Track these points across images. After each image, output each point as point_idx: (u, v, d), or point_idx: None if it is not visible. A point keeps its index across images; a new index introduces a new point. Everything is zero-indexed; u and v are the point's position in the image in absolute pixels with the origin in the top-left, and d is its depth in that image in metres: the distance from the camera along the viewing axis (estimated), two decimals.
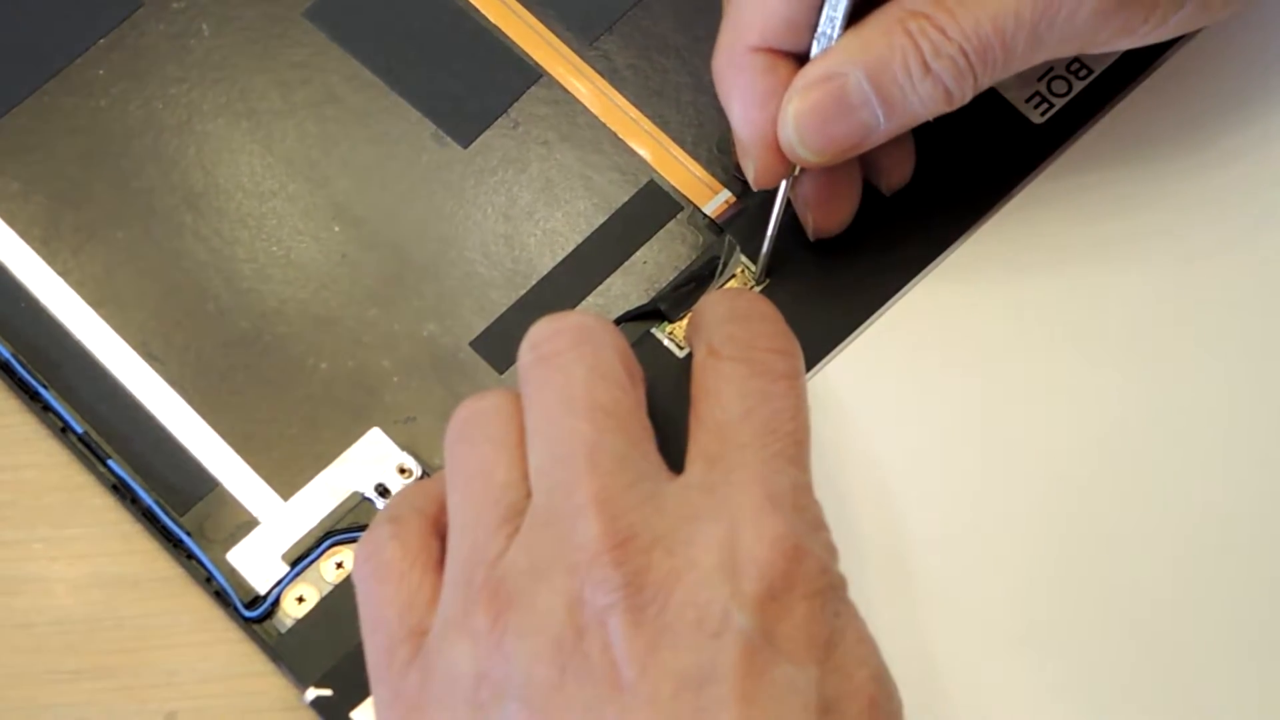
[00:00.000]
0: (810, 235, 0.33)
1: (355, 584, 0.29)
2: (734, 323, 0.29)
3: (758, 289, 0.33)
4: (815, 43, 0.30)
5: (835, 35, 0.29)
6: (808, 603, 0.26)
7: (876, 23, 0.29)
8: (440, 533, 0.28)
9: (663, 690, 0.24)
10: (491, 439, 0.28)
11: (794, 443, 0.28)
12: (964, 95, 0.29)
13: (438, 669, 0.26)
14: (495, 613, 0.26)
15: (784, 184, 0.32)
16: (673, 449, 0.28)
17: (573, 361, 0.28)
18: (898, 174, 0.33)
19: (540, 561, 0.26)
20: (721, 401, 0.28)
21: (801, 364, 0.29)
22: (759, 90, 0.30)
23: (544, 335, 0.28)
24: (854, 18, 0.30)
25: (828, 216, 0.32)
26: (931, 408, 0.33)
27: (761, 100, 0.30)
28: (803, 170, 0.31)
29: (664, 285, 0.34)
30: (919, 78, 0.29)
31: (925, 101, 0.29)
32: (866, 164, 0.33)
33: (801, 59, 0.30)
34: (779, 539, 0.26)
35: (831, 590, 0.26)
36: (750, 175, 0.31)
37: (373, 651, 0.28)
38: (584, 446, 0.26)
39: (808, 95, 0.29)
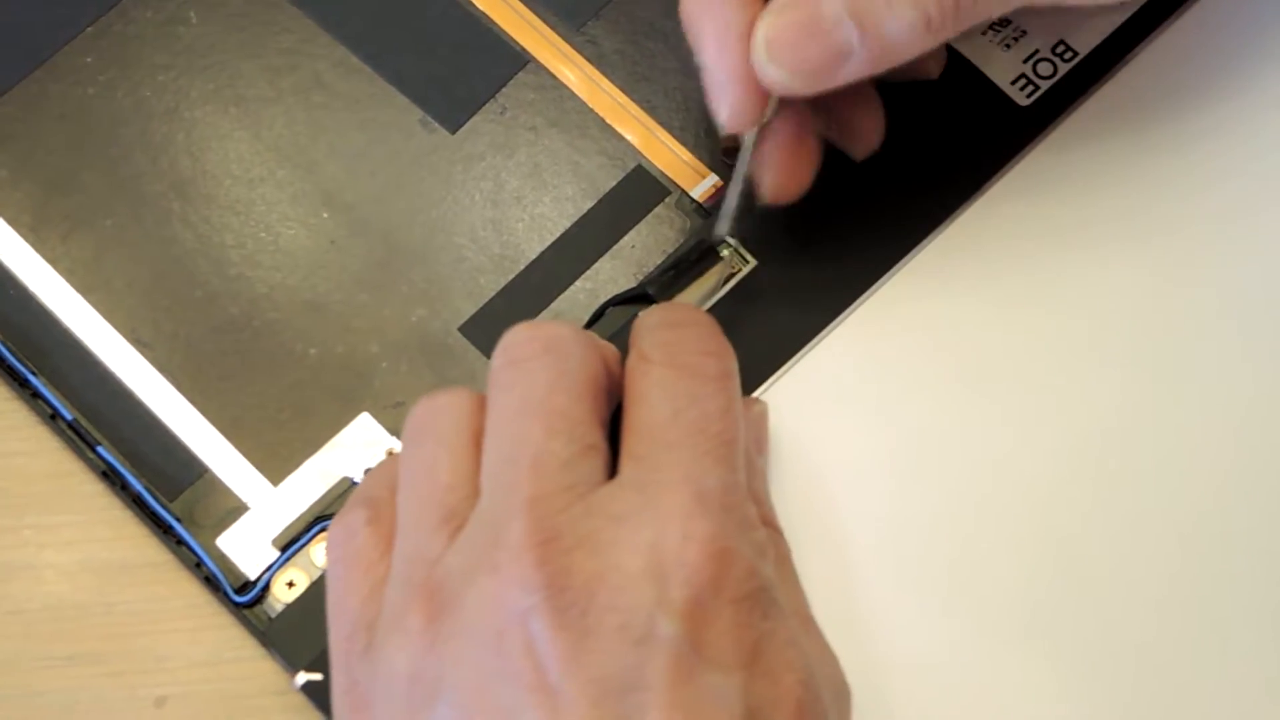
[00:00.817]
0: (767, 196, 0.32)
1: (327, 563, 0.29)
2: (664, 329, 0.29)
3: (746, 268, 0.33)
4: None
5: None
6: (734, 607, 0.25)
7: None
8: None
9: (586, 695, 0.24)
10: (440, 439, 0.28)
11: (723, 443, 0.27)
12: (944, 22, 0.28)
13: (380, 665, 0.26)
14: (429, 614, 0.26)
15: (752, 133, 0.31)
16: None
17: (538, 369, 0.28)
18: (869, 137, 0.33)
19: (471, 562, 0.26)
20: (649, 404, 0.28)
21: (733, 366, 0.29)
22: (732, 24, 0.29)
23: (516, 341, 0.28)
24: None
25: (788, 177, 0.31)
26: (915, 394, 0.33)
27: (737, 34, 0.29)
28: (772, 118, 0.31)
29: (652, 269, 0.34)
30: None
31: (904, 26, 0.28)
32: (837, 128, 0.33)
33: None
34: (706, 541, 0.25)
35: (760, 593, 0.26)
36: (722, 116, 0.30)
37: (334, 636, 0.28)
38: (531, 450, 0.26)
39: (782, 13, 0.28)
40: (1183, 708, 0.30)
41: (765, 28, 0.29)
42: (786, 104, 0.31)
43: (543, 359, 0.28)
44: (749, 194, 0.32)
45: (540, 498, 0.26)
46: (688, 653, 0.25)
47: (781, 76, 0.29)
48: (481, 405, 0.28)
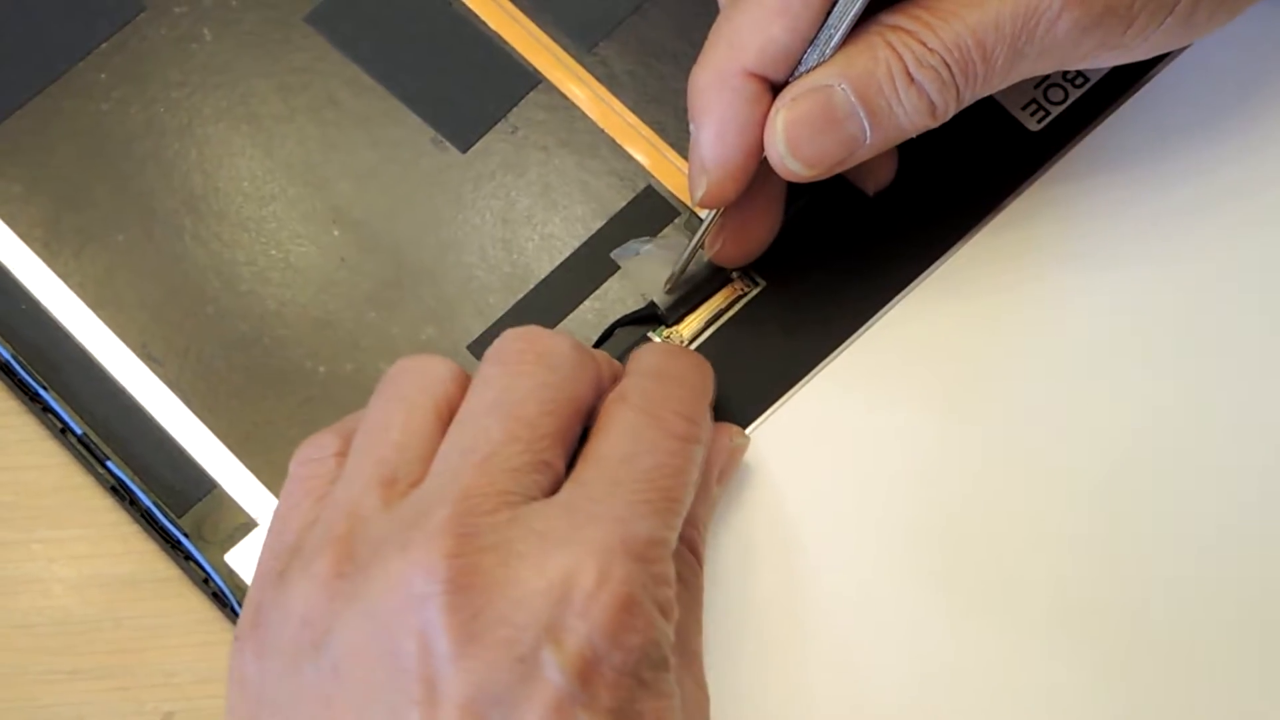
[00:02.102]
0: (708, 257, 0.33)
1: (288, 477, 0.29)
2: (653, 379, 0.29)
3: (754, 290, 0.33)
4: (801, 65, 0.30)
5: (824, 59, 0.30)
6: (624, 657, 0.26)
7: (858, 41, 0.29)
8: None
9: (458, 696, 0.25)
10: (405, 399, 0.28)
11: (666, 499, 0.27)
12: (947, 108, 0.29)
13: (281, 594, 0.27)
14: (337, 568, 0.26)
15: (716, 212, 0.32)
16: None
17: (524, 373, 0.28)
18: (882, 174, 0.33)
19: (391, 534, 0.26)
20: (611, 440, 0.28)
21: (704, 436, 0.29)
22: (740, 116, 0.30)
23: (510, 343, 0.29)
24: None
25: (740, 247, 0.33)
26: (924, 416, 0.33)
27: (740, 126, 0.30)
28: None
29: (658, 291, 0.34)
30: (904, 88, 0.29)
31: (910, 113, 0.29)
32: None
33: None
34: (618, 586, 0.26)
35: (652, 648, 0.26)
36: (698, 195, 0.31)
37: (265, 550, 0.29)
38: (485, 447, 0.27)
39: (796, 106, 0.29)
40: (1196, 707, 0.31)
41: (782, 121, 0.29)
42: (760, 181, 0.31)
43: (529, 366, 0.28)
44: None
45: (474, 493, 0.26)
46: (565, 687, 0.25)
47: (799, 168, 0.30)
48: (458, 379, 0.29)
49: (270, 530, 0.29)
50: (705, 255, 0.33)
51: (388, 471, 0.28)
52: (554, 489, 0.27)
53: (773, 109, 0.30)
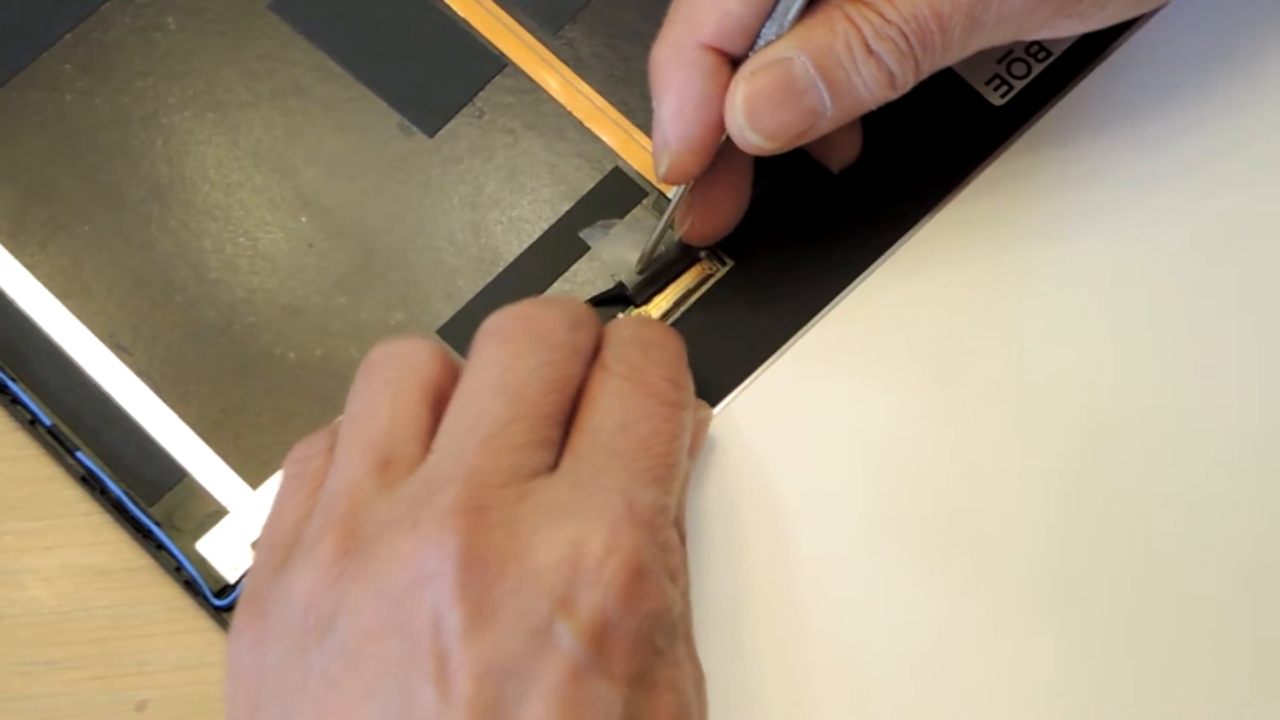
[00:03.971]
0: (679, 236, 0.33)
1: (282, 476, 0.29)
2: (634, 346, 0.29)
3: (722, 270, 0.34)
4: (760, 38, 0.30)
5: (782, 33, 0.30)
6: (637, 623, 0.26)
7: (817, 14, 0.29)
8: None
9: (472, 669, 0.25)
10: (389, 383, 0.28)
11: (664, 465, 0.28)
12: (906, 79, 0.30)
13: (281, 583, 0.27)
14: (341, 551, 0.26)
15: (684, 187, 0.32)
16: None
17: (523, 350, 0.28)
18: (847, 152, 0.34)
19: (397, 515, 0.26)
20: (601, 410, 0.28)
21: (689, 399, 0.29)
22: (699, 89, 0.30)
23: (510, 314, 0.29)
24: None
25: (708, 224, 0.33)
26: (893, 391, 0.33)
27: (699, 99, 0.30)
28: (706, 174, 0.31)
29: (627, 271, 0.34)
30: (862, 59, 0.29)
31: (869, 85, 0.29)
32: (816, 142, 0.33)
33: None
34: (628, 554, 0.26)
35: (664, 614, 0.26)
36: (661, 170, 0.31)
37: (262, 542, 0.29)
38: (489, 425, 0.27)
39: (755, 79, 0.29)
40: (1175, 687, 0.31)
41: (742, 94, 0.29)
42: (725, 157, 0.31)
43: (528, 341, 0.28)
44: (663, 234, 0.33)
45: (481, 471, 0.26)
46: (581, 655, 0.25)
47: (759, 140, 0.30)
48: (439, 360, 0.29)
49: (265, 526, 0.29)
50: (676, 234, 0.33)
51: (381, 454, 0.28)
52: (555, 463, 0.27)
53: (732, 82, 0.30)
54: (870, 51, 0.29)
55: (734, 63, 0.30)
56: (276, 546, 0.28)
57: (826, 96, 0.29)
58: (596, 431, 0.28)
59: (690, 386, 0.29)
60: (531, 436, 0.27)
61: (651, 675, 0.26)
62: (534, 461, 0.27)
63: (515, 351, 0.28)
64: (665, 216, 0.32)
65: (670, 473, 0.28)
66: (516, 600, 0.25)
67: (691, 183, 0.32)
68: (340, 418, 0.30)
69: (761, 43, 0.29)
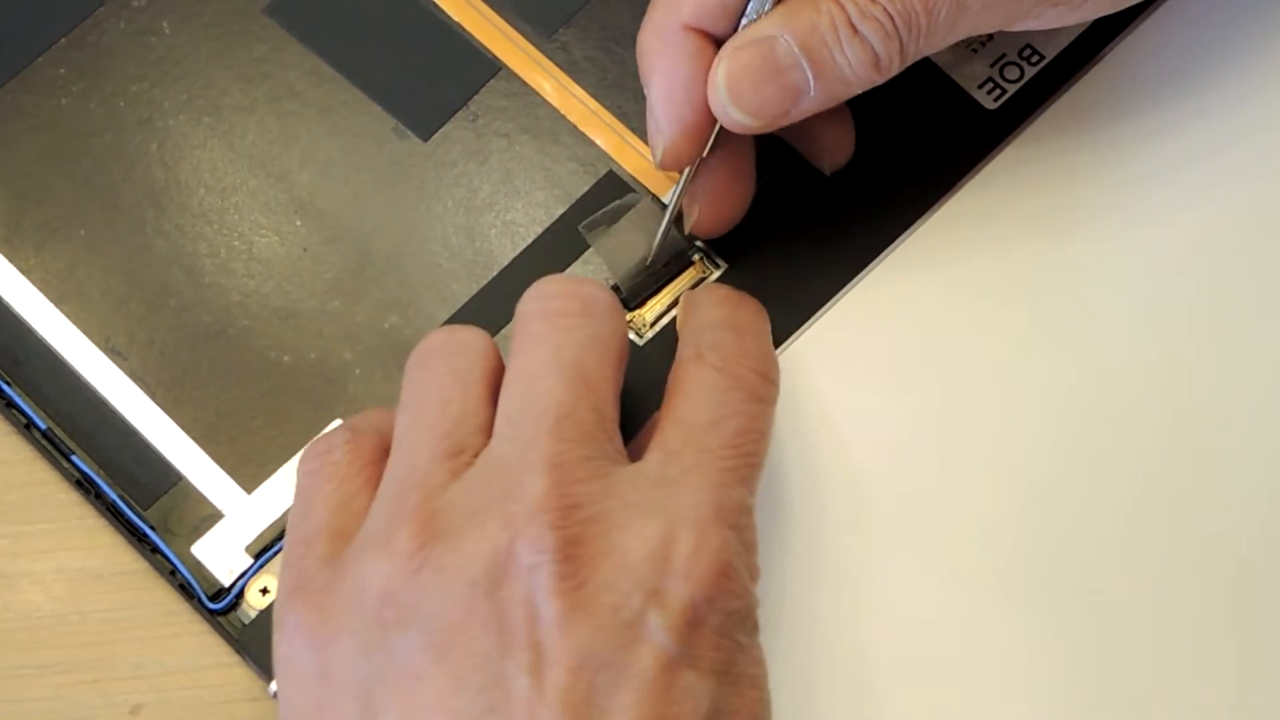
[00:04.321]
0: (688, 228, 0.33)
1: (298, 476, 0.29)
2: (727, 331, 0.29)
3: (716, 273, 0.34)
4: (744, 17, 0.30)
5: (764, 11, 0.30)
6: (723, 620, 0.26)
7: None
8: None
9: (568, 660, 0.25)
10: (454, 371, 0.28)
11: (751, 465, 0.28)
12: (891, 62, 0.29)
13: (349, 576, 0.27)
14: (421, 541, 0.26)
15: (686, 171, 0.32)
16: (626, 435, 0.28)
17: (574, 327, 0.28)
18: (838, 152, 0.33)
19: (479, 505, 0.26)
20: (694, 403, 0.28)
21: (776, 392, 0.29)
22: (684, 71, 0.30)
23: (555, 291, 0.29)
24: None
25: (715, 214, 0.33)
26: (887, 393, 0.33)
27: (685, 81, 0.30)
28: (707, 156, 0.31)
29: (623, 273, 0.34)
30: (847, 39, 0.29)
31: (854, 65, 0.29)
32: (807, 142, 0.33)
33: None
34: (716, 552, 0.26)
35: (747, 612, 0.27)
36: (657, 156, 0.31)
37: (293, 538, 0.28)
38: (556, 409, 0.27)
39: (738, 56, 0.29)
40: (1170, 683, 0.31)
41: (724, 70, 0.29)
42: (726, 143, 0.31)
43: (579, 318, 0.28)
44: (677, 224, 0.33)
45: (560, 462, 0.26)
46: (673, 648, 0.25)
47: (741, 117, 0.30)
48: (493, 349, 0.29)
49: (294, 524, 0.29)
50: (686, 226, 0.33)
51: (452, 444, 0.28)
52: (616, 441, 0.28)
53: (715, 59, 0.30)
54: (855, 31, 0.29)
55: (718, 44, 0.30)
56: (314, 539, 0.28)
57: (810, 75, 0.29)
58: (689, 426, 0.28)
59: (778, 377, 0.30)
60: (596, 417, 0.27)
61: (736, 670, 0.26)
62: (606, 445, 0.27)
63: (566, 327, 0.28)
64: (671, 207, 0.32)
65: (756, 472, 0.28)
66: (610, 594, 0.25)
67: (691, 171, 0.31)
68: (362, 414, 0.30)
69: (745, 22, 0.29)
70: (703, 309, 0.30)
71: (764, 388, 0.29)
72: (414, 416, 0.28)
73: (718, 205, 0.33)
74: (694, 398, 0.28)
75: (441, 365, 0.29)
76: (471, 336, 0.29)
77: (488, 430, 0.28)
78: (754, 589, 0.27)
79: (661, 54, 0.30)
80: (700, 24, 0.30)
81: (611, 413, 0.28)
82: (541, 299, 0.29)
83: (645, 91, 0.31)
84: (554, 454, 0.26)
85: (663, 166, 0.31)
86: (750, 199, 0.33)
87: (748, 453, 0.28)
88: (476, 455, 0.27)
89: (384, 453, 0.29)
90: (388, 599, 0.26)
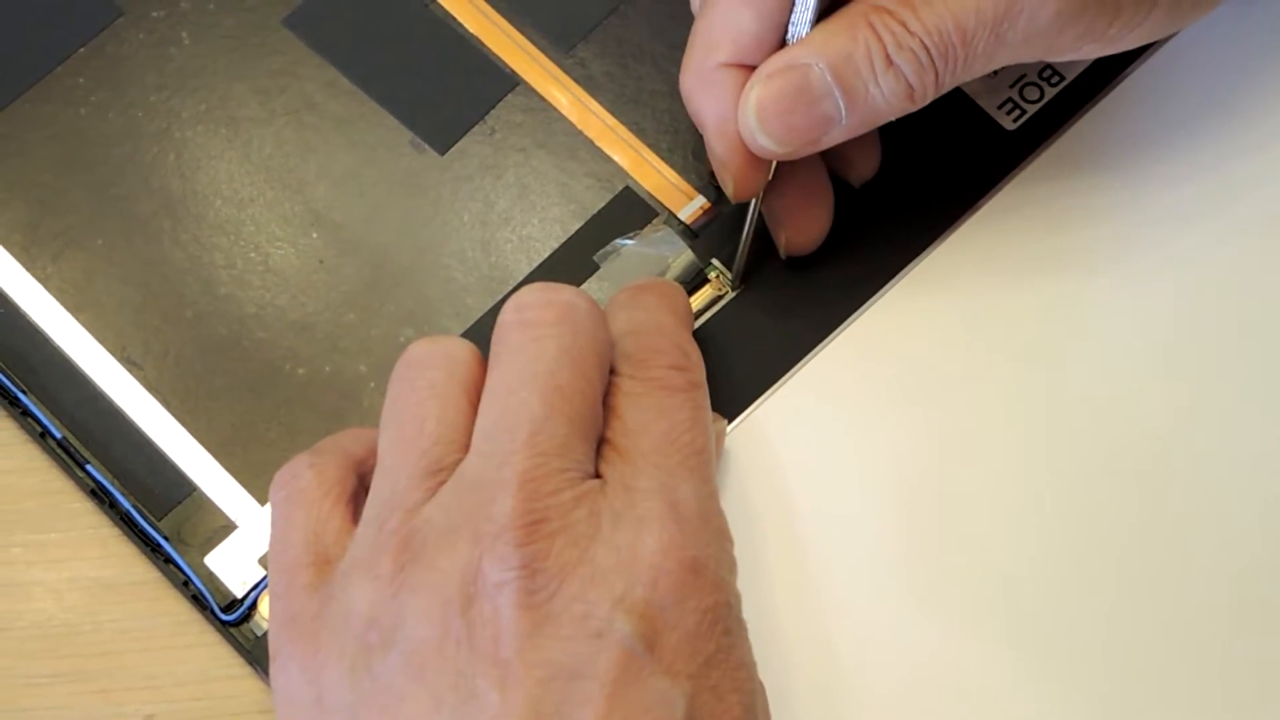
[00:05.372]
0: (782, 253, 0.33)
1: (270, 507, 0.29)
2: (631, 338, 0.29)
3: (733, 295, 0.34)
4: (788, 35, 0.30)
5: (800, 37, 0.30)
6: (696, 617, 0.26)
7: (839, 19, 0.29)
8: (361, 472, 0.29)
9: (535, 674, 0.25)
10: (433, 386, 0.28)
11: (693, 453, 0.28)
12: (925, 92, 0.29)
13: (336, 601, 0.27)
14: (400, 563, 0.26)
15: (757, 200, 0.32)
16: None
17: (549, 336, 0.28)
18: (865, 165, 0.33)
19: (455, 523, 0.26)
20: (620, 417, 0.28)
21: (699, 374, 0.29)
22: (732, 104, 0.30)
23: (531, 301, 0.29)
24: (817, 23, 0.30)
25: (800, 233, 0.33)
26: (902, 412, 0.33)
27: (733, 117, 0.30)
28: (775, 179, 0.32)
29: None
30: (881, 70, 0.29)
31: (888, 96, 0.29)
32: (833, 156, 0.33)
33: None
34: (679, 550, 0.26)
35: (724, 607, 0.27)
36: (729, 189, 0.31)
37: (275, 570, 0.28)
38: (530, 423, 0.27)
39: (770, 84, 0.29)
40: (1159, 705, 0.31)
41: (755, 97, 0.29)
42: (797, 162, 0.31)
43: (554, 328, 0.28)
44: (758, 247, 0.33)
45: (532, 477, 0.26)
46: (640, 652, 0.25)
47: (769, 144, 0.30)
48: (476, 359, 0.29)
49: (274, 555, 0.29)
50: (780, 250, 0.33)
51: (430, 462, 0.28)
52: (596, 450, 0.28)
53: (747, 84, 0.30)
54: (890, 63, 0.29)
55: None
56: (295, 569, 0.28)
57: (842, 105, 0.29)
58: (621, 439, 0.28)
59: (696, 356, 0.29)
60: (570, 429, 0.27)
61: (715, 673, 0.26)
62: (580, 456, 0.27)
63: (539, 336, 0.28)
64: (747, 230, 0.32)
65: (701, 458, 0.28)
66: (578, 605, 0.25)
67: (759, 197, 0.32)
68: (326, 438, 0.30)
69: (786, 40, 0.29)
70: (612, 321, 0.30)
71: (679, 378, 0.29)
72: (394, 435, 0.28)
73: (800, 224, 0.33)
74: (619, 411, 0.28)
75: (421, 380, 0.29)
76: (454, 347, 0.29)
77: (466, 445, 0.28)
78: (732, 581, 0.27)
79: (706, 93, 0.30)
80: (739, 59, 0.30)
81: (588, 421, 0.28)
82: (519, 310, 0.29)
83: (700, 131, 0.31)
84: (526, 469, 0.26)
85: (736, 198, 0.31)
86: (831, 211, 0.33)
87: (684, 444, 0.28)
88: (453, 468, 0.27)
89: (350, 470, 0.29)
90: (372, 623, 0.26)
